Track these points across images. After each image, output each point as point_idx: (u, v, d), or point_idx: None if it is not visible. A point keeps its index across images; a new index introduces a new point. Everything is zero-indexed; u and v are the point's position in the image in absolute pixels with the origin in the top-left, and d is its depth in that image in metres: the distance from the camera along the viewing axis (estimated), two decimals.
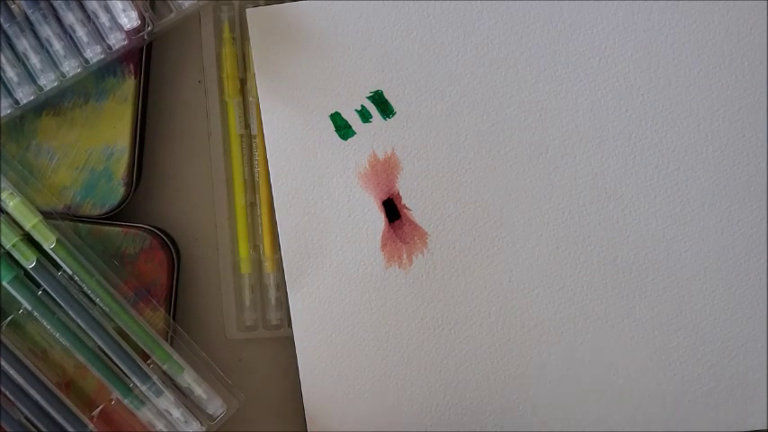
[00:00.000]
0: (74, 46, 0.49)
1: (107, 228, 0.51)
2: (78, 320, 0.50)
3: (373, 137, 0.52)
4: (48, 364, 0.51)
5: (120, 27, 0.49)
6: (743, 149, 0.51)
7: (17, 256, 0.49)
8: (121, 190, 0.51)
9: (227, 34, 0.52)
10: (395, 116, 0.52)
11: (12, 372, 0.49)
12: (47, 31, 0.49)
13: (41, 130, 0.51)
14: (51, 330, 0.50)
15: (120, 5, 0.49)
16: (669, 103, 0.51)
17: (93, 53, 0.49)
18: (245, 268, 0.53)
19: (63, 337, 0.50)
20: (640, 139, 0.51)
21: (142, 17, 0.49)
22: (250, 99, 0.52)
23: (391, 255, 0.52)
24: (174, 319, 0.52)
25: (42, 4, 0.48)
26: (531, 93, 0.51)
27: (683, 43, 0.50)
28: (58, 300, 0.49)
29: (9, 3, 0.48)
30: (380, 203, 0.52)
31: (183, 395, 0.51)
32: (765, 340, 0.48)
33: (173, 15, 0.50)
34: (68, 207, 0.51)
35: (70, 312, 0.50)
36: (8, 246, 0.49)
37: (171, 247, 0.52)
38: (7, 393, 0.49)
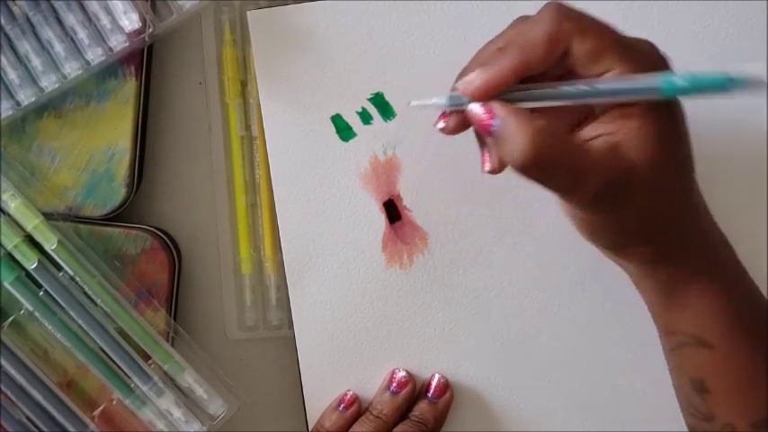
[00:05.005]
0: (75, 48, 0.49)
1: (108, 229, 0.51)
2: (79, 321, 0.50)
3: (374, 138, 0.52)
4: (49, 364, 0.51)
5: (121, 29, 0.49)
6: (743, 150, 0.51)
7: (18, 256, 0.49)
8: (123, 191, 0.51)
9: (227, 36, 0.53)
10: (395, 118, 0.52)
11: (13, 372, 0.49)
12: (48, 33, 0.49)
13: (43, 131, 0.51)
14: (53, 331, 0.50)
15: (121, 7, 0.49)
16: None
17: (95, 55, 0.49)
18: (246, 269, 0.54)
19: (64, 338, 0.50)
20: None
21: (143, 19, 0.49)
22: (251, 101, 0.53)
23: (392, 255, 0.52)
24: (174, 319, 0.52)
25: (43, 6, 0.49)
26: None
27: (684, 43, 0.50)
28: (59, 300, 0.50)
29: (10, 4, 0.49)
30: (381, 204, 0.52)
31: (184, 395, 0.52)
32: None
33: (173, 17, 0.50)
34: (70, 208, 0.51)
35: (71, 313, 0.50)
36: (10, 247, 0.49)
37: (172, 247, 0.52)
38: (9, 393, 0.49)
